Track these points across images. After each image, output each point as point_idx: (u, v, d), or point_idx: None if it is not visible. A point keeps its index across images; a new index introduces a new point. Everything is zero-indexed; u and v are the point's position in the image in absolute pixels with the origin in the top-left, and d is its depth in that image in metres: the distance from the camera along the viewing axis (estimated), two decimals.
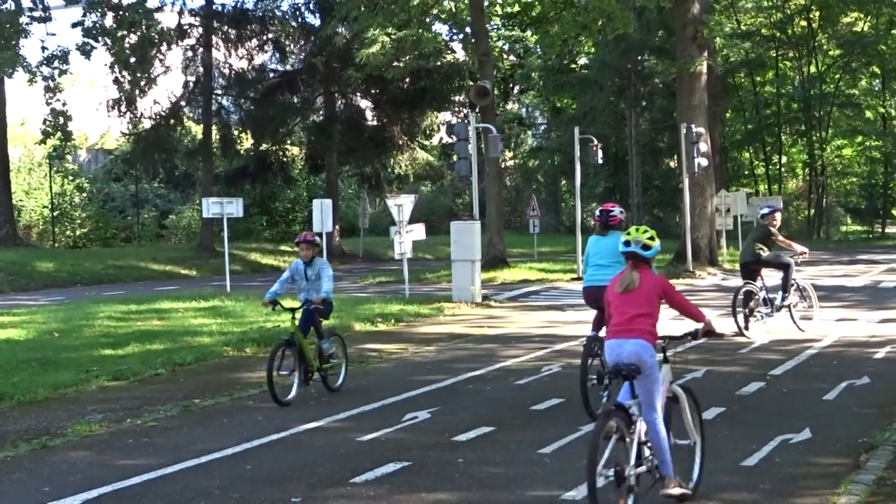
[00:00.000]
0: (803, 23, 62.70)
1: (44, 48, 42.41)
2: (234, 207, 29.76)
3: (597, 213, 12.96)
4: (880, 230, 69.45)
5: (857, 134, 66.26)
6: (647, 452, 7.77)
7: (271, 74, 51.65)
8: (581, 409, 11.51)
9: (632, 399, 7.81)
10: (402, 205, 26.42)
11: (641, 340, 7.87)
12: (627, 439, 7.59)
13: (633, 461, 7.56)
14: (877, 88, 68.26)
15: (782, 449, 9.90)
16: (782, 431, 10.48)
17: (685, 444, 8.36)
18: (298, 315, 13.52)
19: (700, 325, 8.54)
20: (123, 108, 45.98)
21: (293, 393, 13.02)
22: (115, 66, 43.27)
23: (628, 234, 8.17)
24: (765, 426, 10.79)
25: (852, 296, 25.29)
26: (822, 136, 64.44)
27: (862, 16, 62.38)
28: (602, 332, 10.38)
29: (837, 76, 64.58)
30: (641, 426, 7.73)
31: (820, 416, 11.26)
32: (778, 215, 18.78)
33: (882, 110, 66.20)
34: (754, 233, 18.99)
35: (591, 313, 12.53)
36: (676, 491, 7.85)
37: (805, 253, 19.02)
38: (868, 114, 66.38)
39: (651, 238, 8.13)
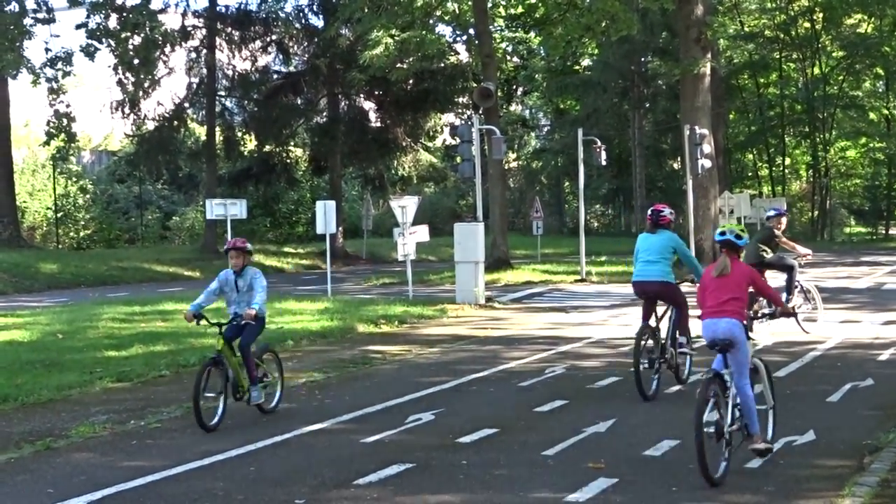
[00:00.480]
0: (807, 24, 62.65)
1: (47, 50, 42.49)
2: (237, 209, 29.76)
3: (648, 212, 13.84)
4: (884, 232, 69.36)
5: (860, 135, 66.17)
6: (737, 413, 9.18)
7: (275, 76, 51.65)
8: (582, 412, 11.61)
9: (725, 369, 9.26)
10: (405, 206, 26.43)
11: (733, 320, 9.32)
12: (723, 402, 9.02)
13: (729, 420, 8.99)
14: (881, 90, 68.18)
15: (786, 451, 9.89)
16: (787, 433, 10.47)
17: (763, 409, 9.71)
18: (228, 330, 12.14)
19: (778, 308, 10.33)
20: (127, 110, 46.00)
21: (218, 417, 11.58)
22: (119, 67, 43.30)
23: (724, 226, 9.88)
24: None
25: (856, 298, 25.28)
26: (826, 137, 64.37)
27: (866, 17, 62.30)
28: (651, 322, 13.23)
29: (841, 78, 64.54)
30: (733, 391, 9.17)
31: (824, 418, 11.25)
32: (784, 219, 18.79)
33: (886, 112, 66.09)
34: (758, 235, 19.00)
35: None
36: (762, 446, 9.37)
37: (809, 255, 19.07)
38: (872, 115, 66.29)
39: (742, 230, 9.70)
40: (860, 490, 8.41)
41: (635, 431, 10.83)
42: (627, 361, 15.68)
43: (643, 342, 12.91)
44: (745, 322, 9.47)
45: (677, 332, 13.46)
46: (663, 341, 13.25)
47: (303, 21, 50.51)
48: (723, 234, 9.61)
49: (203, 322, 12.15)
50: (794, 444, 10.15)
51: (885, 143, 64.85)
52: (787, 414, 11.50)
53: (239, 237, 13.88)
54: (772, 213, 18.90)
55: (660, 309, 13.66)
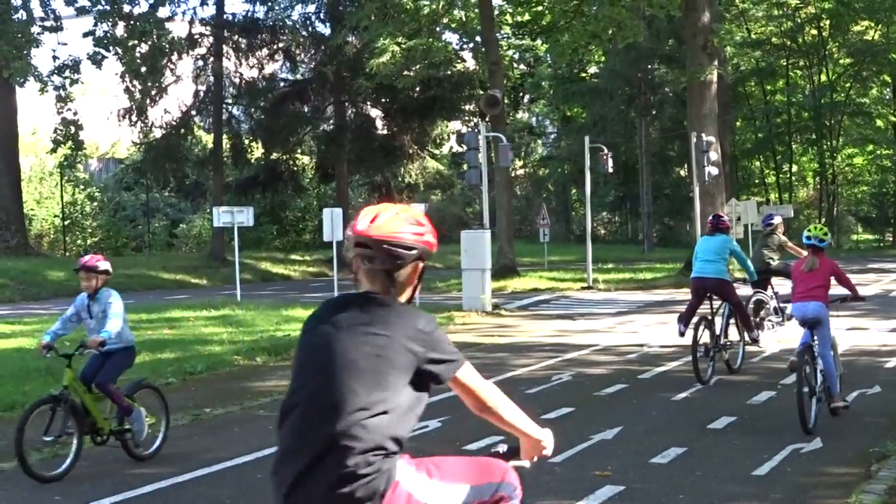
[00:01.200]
0: (814, 31, 62.68)
1: (55, 57, 42.61)
2: (244, 216, 29.79)
3: (710, 218, 15.92)
4: (891, 239, 69.32)
5: (867, 143, 66.22)
6: (821, 377, 11.31)
7: (282, 83, 51.75)
8: (589, 419, 11.63)
9: (812, 341, 11.44)
10: None
11: (820, 303, 11.62)
12: (812, 367, 11.26)
13: (818, 382, 11.23)
14: (888, 97, 68.18)
15: (793, 458, 9.88)
16: (793, 441, 10.46)
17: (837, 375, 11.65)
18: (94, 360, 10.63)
19: (850, 293, 12.30)
20: (134, 118, 46.14)
21: (68, 463, 9.89)
22: (126, 75, 43.42)
23: (809, 230, 11.89)
24: (776, 435, 10.78)
25: (863, 305, 25.18)
26: (833, 144, 64.38)
27: (872, 24, 62.33)
28: (694, 318, 14.92)
29: (848, 85, 64.53)
30: (819, 359, 11.34)
31: (831, 425, 11.23)
32: (777, 219, 18.76)
33: (893, 119, 66.12)
34: (761, 241, 18.97)
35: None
36: (841, 404, 11.54)
37: None
38: (879, 122, 66.32)
39: (825, 234, 11.89)
40: (867, 498, 8.39)
41: (642, 439, 10.81)
42: (634, 369, 15.70)
43: (700, 332, 14.36)
44: (828, 304, 11.74)
45: (744, 331, 15.50)
46: (717, 333, 14.87)
47: (310, 29, 50.65)
48: (808, 237, 11.78)
49: (51, 354, 10.31)
50: (801, 451, 10.13)
51: (892, 150, 64.91)
52: (793, 421, 11.50)
53: (97, 254, 11.68)
54: (777, 219, 18.88)
55: (714, 304, 15.37)
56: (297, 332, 14.73)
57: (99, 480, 9.68)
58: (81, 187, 56.53)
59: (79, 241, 53.52)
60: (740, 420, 11.69)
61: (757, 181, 71.03)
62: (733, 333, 15.47)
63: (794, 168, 68.80)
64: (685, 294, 30.59)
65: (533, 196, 77.22)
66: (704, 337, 14.49)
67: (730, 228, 15.70)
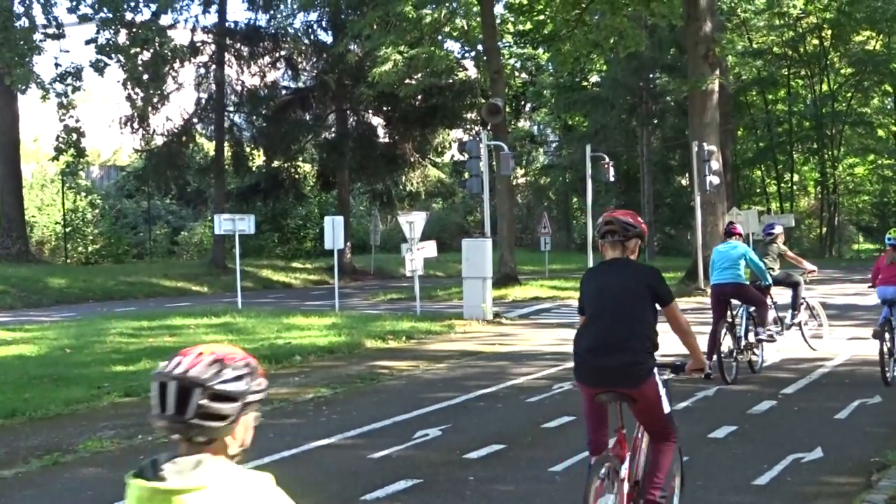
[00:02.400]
0: (815, 41, 62.72)
1: (57, 65, 42.61)
2: (245, 224, 29.78)
3: (726, 226, 17.31)
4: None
5: (869, 152, 66.23)
6: None
7: (283, 91, 51.75)
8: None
9: (891, 315, 14.78)
10: (413, 222, 26.47)
11: None
12: (891, 336, 14.75)
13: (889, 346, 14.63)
14: (889, 107, 68.20)
15: (794, 468, 9.88)
16: (794, 450, 10.46)
17: None
18: None
19: None
20: (136, 125, 46.13)
21: None
22: (128, 82, 43.44)
23: (890, 233, 15.00)
24: (776, 445, 10.77)
25: (864, 314, 25.23)
26: (834, 154, 64.38)
27: (874, 34, 62.36)
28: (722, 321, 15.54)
29: (849, 94, 64.56)
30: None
31: (832, 435, 11.23)
32: (778, 228, 18.80)
33: (894, 129, 66.13)
34: (761, 251, 18.94)
35: None
36: None
37: (814, 271, 19.05)
38: (880, 132, 66.36)
39: None
40: None
41: None
42: None
43: (721, 335, 15.18)
44: None
45: (758, 326, 15.99)
46: (739, 336, 15.61)
47: (312, 37, 50.67)
48: (890, 238, 14.97)
49: None
50: (801, 461, 10.13)
51: (893, 159, 64.94)
52: (794, 431, 11.50)
53: None
54: (777, 229, 18.89)
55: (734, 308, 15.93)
56: (298, 340, 14.79)
57: (99, 488, 9.68)
58: (83, 194, 56.52)
59: (80, 249, 53.52)
60: (741, 429, 11.69)
61: (758, 190, 71.03)
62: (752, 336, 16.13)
63: (796, 177, 68.78)
64: (686, 303, 30.64)
65: (534, 204, 77.22)
66: (728, 342, 15.36)
67: (742, 235, 16.54)
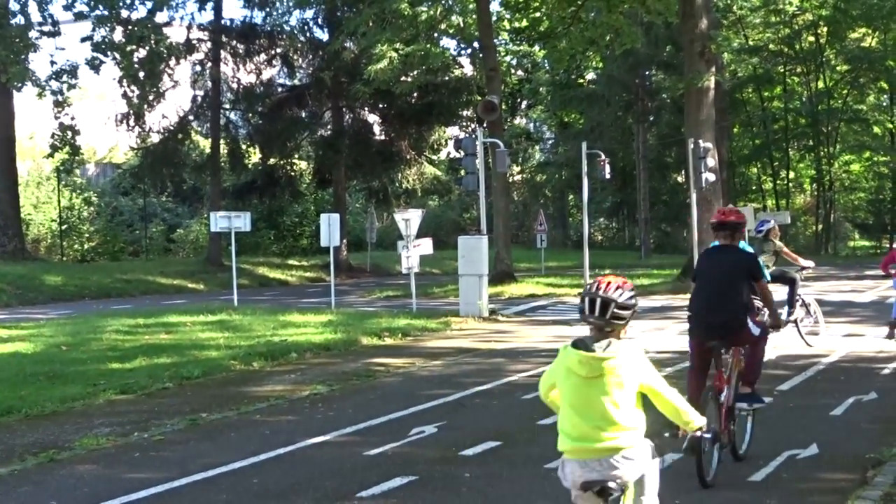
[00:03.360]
0: (811, 38, 62.67)
1: (53, 62, 42.53)
2: (241, 221, 29.77)
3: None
4: (888, 245, 69.22)
5: (864, 149, 66.21)
6: None
7: (279, 89, 51.74)
8: None
9: None
10: (409, 219, 26.47)
11: None
12: None
13: None
14: (885, 104, 68.16)
15: (789, 464, 9.89)
16: (789, 447, 10.48)
17: None
18: None
19: None
20: (132, 123, 46.13)
21: None
22: (124, 80, 43.38)
23: None
24: (772, 441, 10.78)
25: (860, 311, 25.28)
26: (830, 151, 64.37)
27: (870, 31, 62.31)
28: None
29: (845, 91, 64.55)
30: None
31: (827, 431, 11.25)
32: (769, 224, 19.10)
33: (890, 126, 66.13)
34: (757, 248, 18.97)
35: None
36: None
37: (811, 267, 19.11)
38: (876, 129, 66.34)
39: None
40: None
41: None
42: None
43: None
44: None
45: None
46: None
47: (307, 34, 50.69)
48: None
49: None
50: (797, 457, 10.14)
51: (889, 156, 64.92)
52: (789, 427, 11.52)
53: None
54: (768, 225, 18.97)
55: None
56: (294, 338, 14.83)
57: (95, 485, 9.68)
58: (78, 192, 56.50)
59: (76, 246, 53.50)
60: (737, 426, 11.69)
61: (754, 187, 71.03)
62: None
63: (791, 174, 68.80)
64: (682, 300, 30.63)
65: (530, 202, 77.26)
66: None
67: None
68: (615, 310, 5.75)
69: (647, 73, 64.68)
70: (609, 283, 5.79)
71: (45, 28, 42.04)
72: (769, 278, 16.83)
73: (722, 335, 9.80)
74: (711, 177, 33.93)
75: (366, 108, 51.88)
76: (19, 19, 41.15)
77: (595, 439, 5.77)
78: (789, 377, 15.14)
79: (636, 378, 5.79)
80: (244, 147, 51.35)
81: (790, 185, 68.97)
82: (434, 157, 61.71)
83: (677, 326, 23.12)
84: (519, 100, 77.31)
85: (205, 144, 52.76)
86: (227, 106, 50.22)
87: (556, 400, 6.02)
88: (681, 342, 19.83)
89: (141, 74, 43.19)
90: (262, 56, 49.75)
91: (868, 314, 24.36)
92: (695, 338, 10.12)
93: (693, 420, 6.22)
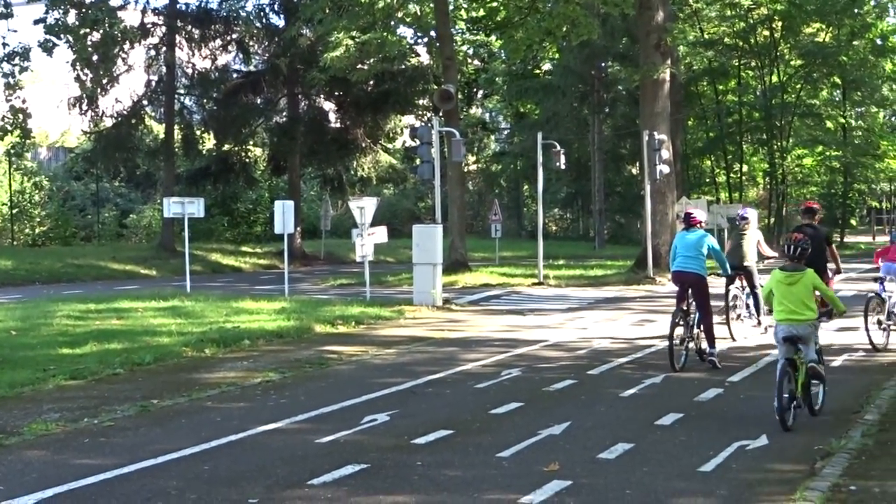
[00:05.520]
0: (766, 32, 63.03)
1: (5, 44, 42.05)
2: (195, 207, 29.61)
3: (682, 215, 17.10)
4: (839, 239, 69.93)
5: (817, 144, 66.74)
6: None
7: (234, 75, 51.48)
8: (537, 415, 11.72)
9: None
10: (364, 207, 26.42)
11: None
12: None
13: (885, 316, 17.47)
14: (837, 99, 68.78)
15: (739, 455, 9.95)
16: (739, 438, 10.55)
17: None
18: None
19: None
20: (85, 106, 45.70)
21: None
22: (77, 63, 42.96)
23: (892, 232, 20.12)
24: (722, 432, 10.85)
25: None
26: (783, 145, 64.84)
27: (824, 27, 62.80)
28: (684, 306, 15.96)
29: (799, 86, 65.01)
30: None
31: (776, 423, 11.31)
32: (750, 213, 20.00)
33: (842, 121, 66.70)
34: (737, 237, 19.56)
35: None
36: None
37: (774, 256, 19.48)
38: (828, 124, 66.87)
39: None
40: (812, 494, 8.47)
41: (590, 434, 10.86)
42: (583, 364, 15.79)
43: (678, 322, 15.32)
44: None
45: (704, 341, 15.92)
46: (692, 324, 15.67)
47: (264, 20, 50.43)
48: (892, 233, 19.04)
49: None
50: (746, 448, 10.21)
51: (840, 151, 65.47)
52: (740, 418, 11.60)
53: None
54: (750, 214, 19.59)
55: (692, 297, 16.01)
56: (247, 325, 14.74)
57: (44, 471, 9.60)
58: (30, 176, 56.01)
59: (27, 231, 53.06)
60: (687, 417, 11.76)
61: (707, 180, 71.44)
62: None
63: (745, 168, 69.28)
64: (635, 291, 30.83)
65: (485, 191, 77.36)
66: (679, 330, 15.39)
67: (701, 223, 16.37)
68: (797, 251, 11.94)
69: (603, 64, 64.85)
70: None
71: None
72: (729, 272, 17.37)
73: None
74: (666, 169, 34.13)
75: (321, 96, 51.72)
76: None
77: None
78: (740, 369, 15.26)
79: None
80: (198, 133, 51.07)
81: (743, 178, 69.44)
82: (389, 146, 61.63)
83: (631, 317, 23.24)
84: (475, 89, 77.34)
85: (159, 129, 52.41)
86: (182, 91, 49.92)
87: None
88: (634, 332, 19.98)
89: (94, 58, 42.79)
90: (218, 41, 49.46)
91: None
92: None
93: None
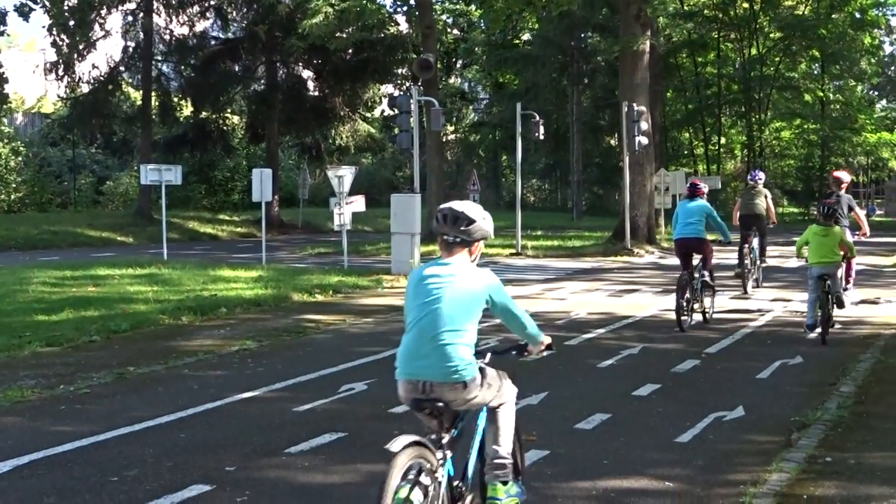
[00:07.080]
0: (745, 5, 63.09)
1: None
2: (172, 175, 29.48)
3: (688, 185, 18.01)
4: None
5: (795, 117, 66.88)
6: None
7: (213, 42, 51.25)
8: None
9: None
10: (342, 176, 26.35)
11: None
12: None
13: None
14: (816, 72, 68.86)
15: (716, 426, 9.98)
16: (716, 409, 10.57)
17: None
18: None
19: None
20: (61, 72, 45.46)
21: None
22: (54, 28, 42.70)
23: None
24: (699, 403, 10.88)
25: (787, 277, 25.56)
26: (761, 118, 64.99)
27: None
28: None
29: (777, 59, 65.11)
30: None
31: (753, 394, 11.36)
32: (761, 175, 23.25)
33: (820, 94, 66.81)
34: (749, 195, 22.50)
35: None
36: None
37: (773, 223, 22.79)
38: (807, 97, 66.98)
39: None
40: (787, 465, 8.50)
41: (567, 405, 10.87)
42: (560, 335, 15.77)
43: (684, 284, 16.41)
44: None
45: (705, 274, 17.09)
46: (696, 288, 16.81)
47: None
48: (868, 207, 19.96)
49: None
50: (723, 419, 10.24)
51: (818, 124, 65.58)
52: (716, 390, 11.63)
53: None
54: (761, 176, 23.09)
55: (694, 261, 17.10)
56: (224, 293, 14.63)
57: (19, 437, 9.56)
58: (6, 142, 55.68)
59: (2, 197, 52.78)
60: (664, 387, 11.79)
61: (686, 152, 71.55)
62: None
63: (723, 140, 69.42)
64: (612, 262, 30.86)
65: (463, 161, 77.30)
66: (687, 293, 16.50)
67: (705, 194, 17.53)
68: None
69: (582, 35, 64.70)
70: None
71: None
72: (730, 238, 18.55)
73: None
74: (644, 140, 34.13)
75: (300, 64, 51.54)
76: None
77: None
78: (717, 340, 15.29)
79: None
80: (176, 100, 50.87)
81: (721, 150, 69.58)
82: (368, 115, 61.54)
83: (609, 288, 23.27)
84: (454, 59, 77.12)
85: (136, 96, 52.17)
86: (160, 58, 49.65)
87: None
88: (612, 303, 20.00)
89: (71, 23, 42.55)
90: (196, 7, 49.22)
91: (795, 279, 24.62)
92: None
93: None
